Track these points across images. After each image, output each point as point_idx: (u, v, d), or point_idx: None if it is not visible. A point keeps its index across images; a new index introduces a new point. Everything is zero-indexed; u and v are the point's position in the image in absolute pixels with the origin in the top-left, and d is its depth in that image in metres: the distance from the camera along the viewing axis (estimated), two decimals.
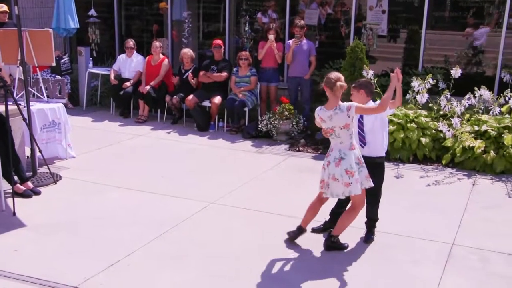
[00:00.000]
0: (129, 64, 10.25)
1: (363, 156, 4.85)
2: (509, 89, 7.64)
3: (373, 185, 4.82)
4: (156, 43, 10.10)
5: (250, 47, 10.61)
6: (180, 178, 6.95)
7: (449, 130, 7.40)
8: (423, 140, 7.59)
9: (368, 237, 5.22)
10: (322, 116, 4.74)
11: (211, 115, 9.43)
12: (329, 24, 10.61)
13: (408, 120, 7.77)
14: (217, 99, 9.31)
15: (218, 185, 6.66)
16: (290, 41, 9.18)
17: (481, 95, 7.74)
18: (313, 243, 5.15)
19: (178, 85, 9.86)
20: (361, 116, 4.97)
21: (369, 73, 7.97)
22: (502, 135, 7.27)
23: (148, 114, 9.98)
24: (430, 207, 6.04)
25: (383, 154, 5.06)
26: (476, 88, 7.79)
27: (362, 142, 5.00)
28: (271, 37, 9.08)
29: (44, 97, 7.40)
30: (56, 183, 6.60)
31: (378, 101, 4.91)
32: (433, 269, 4.72)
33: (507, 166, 7.10)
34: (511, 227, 5.57)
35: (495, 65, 9.05)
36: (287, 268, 4.74)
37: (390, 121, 7.75)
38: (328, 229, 5.32)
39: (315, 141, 8.52)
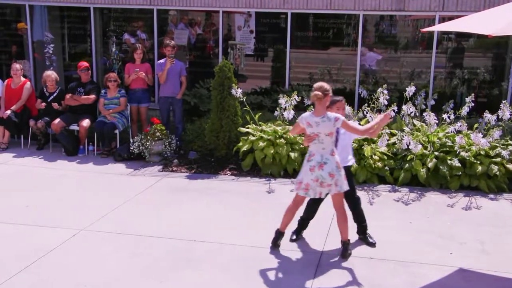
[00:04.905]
0: None
1: None
2: (367, 104, 8.21)
3: (348, 188, 5.21)
4: (16, 65, 9.55)
5: (118, 68, 10.41)
6: (47, 206, 6.60)
7: None
8: (292, 155, 7.89)
9: (369, 242, 5.60)
10: (309, 121, 5.07)
11: (80, 139, 9.08)
12: (198, 44, 10.74)
13: (277, 136, 8.05)
14: (86, 122, 8.99)
15: (89, 211, 6.41)
16: (162, 61, 9.14)
17: None
18: (182, 264, 5.14)
19: (42, 108, 9.38)
20: (337, 132, 5.26)
21: (238, 91, 8.17)
22: (362, 147, 7.78)
23: (9, 141, 9.39)
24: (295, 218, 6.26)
25: (351, 164, 5.52)
26: None
27: None
28: (137, 70, 9.07)
29: None
30: None
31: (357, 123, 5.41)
32: (305, 278, 4.89)
33: (368, 175, 7.62)
34: (370, 232, 5.92)
35: (354, 81, 9.71)
36: None
37: (260, 138, 8.00)
38: (300, 233, 5.73)
39: (188, 161, 8.52)
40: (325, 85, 5.08)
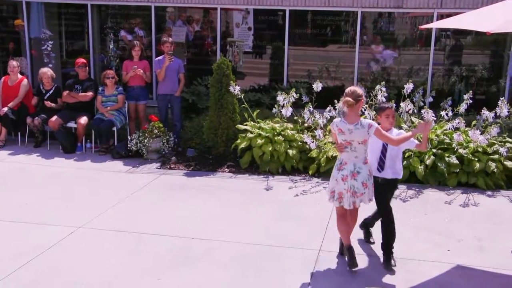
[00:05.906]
0: None
1: (383, 177, 5.02)
2: (365, 101, 8.18)
3: (373, 199, 5.01)
4: (13, 62, 9.53)
5: (116, 65, 10.38)
6: (45, 204, 6.59)
7: (313, 142, 7.76)
8: (290, 152, 7.89)
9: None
10: (341, 128, 4.76)
11: (78, 136, 9.06)
12: (196, 41, 10.72)
13: (276, 133, 8.05)
14: (83, 120, 8.97)
15: (87, 209, 6.40)
16: (160, 58, 9.11)
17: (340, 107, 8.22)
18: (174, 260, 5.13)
19: (40, 105, 9.36)
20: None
21: (236, 89, 8.15)
22: None
23: (6, 138, 9.36)
24: (298, 216, 6.27)
25: (400, 177, 5.13)
26: (336, 101, 8.26)
27: (380, 166, 5.01)
28: (135, 67, 9.03)
29: None
30: None
31: (399, 131, 5.18)
32: (303, 275, 4.89)
33: None
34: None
35: (352, 78, 9.70)
36: None
37: (258, 135, 7.99)
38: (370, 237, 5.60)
39: (186, 158, 8.51)
40: (358, 90, 4.69)
